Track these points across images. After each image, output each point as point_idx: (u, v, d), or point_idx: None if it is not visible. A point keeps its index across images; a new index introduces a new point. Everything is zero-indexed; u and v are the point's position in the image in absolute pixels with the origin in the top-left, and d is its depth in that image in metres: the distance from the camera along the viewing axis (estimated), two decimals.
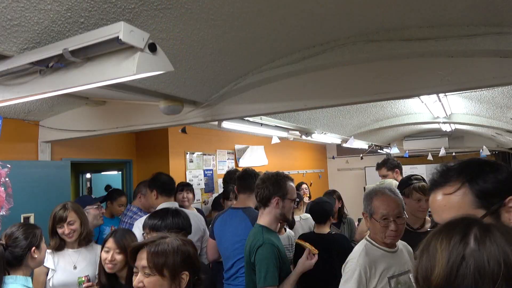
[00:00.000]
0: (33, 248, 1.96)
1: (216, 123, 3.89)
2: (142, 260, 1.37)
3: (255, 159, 5.89)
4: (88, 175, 5.80)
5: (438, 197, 1.05)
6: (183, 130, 4.63)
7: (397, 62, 2.37)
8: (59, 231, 2.41)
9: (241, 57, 2.37)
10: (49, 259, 2.37)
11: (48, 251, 2.39)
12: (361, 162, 8.69)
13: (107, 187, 3.99)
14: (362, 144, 7.04)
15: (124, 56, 1.40)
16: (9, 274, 1.85)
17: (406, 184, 2.52)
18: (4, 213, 1.78)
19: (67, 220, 2.41)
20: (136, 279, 1.37)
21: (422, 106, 4.52)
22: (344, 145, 6.40)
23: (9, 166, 1.80)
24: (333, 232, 3.04)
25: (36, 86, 1.68)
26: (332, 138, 5.89)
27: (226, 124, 3.81)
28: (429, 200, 1.11)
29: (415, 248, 2.02)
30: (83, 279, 2.29)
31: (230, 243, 2.68)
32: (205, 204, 4.82)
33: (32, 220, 3.07)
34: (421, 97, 3.69)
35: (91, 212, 3.00)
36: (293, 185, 2.28)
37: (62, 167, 3.60)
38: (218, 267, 2.89)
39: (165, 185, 3.06)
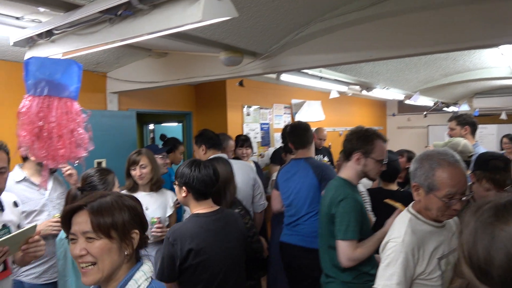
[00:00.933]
0: None
1: (274, 76, 3.84)
2: (82, 223, 1.12)
3: (312, 114, 5.79)
4: (151, 126, 6.09)
5: None
6: (240, 83, 4.63)
7: (480, 6, 2.12)
8: (132, 173, 2.63)
9: (304, 3, 2.25)
10: None
11: (124, 191, 2.61)
12: (424, 120, 8.24)
13: (162, 136, 4.17)
14: (426, 101, 6.62)
15: (189, 1, 1.38)
16: None
17: (484, 167, 2.06)
18: (85, 154, 1.94)
19: (139, 163, 2.60)
20: (77, 248, 1.10)
21: (500, 59, 4.09)
22: (407, 101, 6.06)
23: (89, 112, 1.94)
24: (401, 190, 2.96)
25: (106, 35, 1.74)
26: (394, 94, 5.60)
27: (284, 77, 3.75)
28: None
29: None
30: (155, 220, 2.49)
31: (292, 192, 2.78)
32: (261, 157, 4.90)
33: (104, 165, 3.32)
34: (502, 47, 3.33)
35: (158, 161, 3.18)
36: (383, 145, 2.09)
37: (129, 117, 3.81)
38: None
39: (212, 139, 3.16)
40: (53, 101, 1.77)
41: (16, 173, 2.30)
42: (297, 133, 2.85)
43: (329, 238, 2.04)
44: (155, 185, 2.67)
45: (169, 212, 2.71)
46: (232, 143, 3.67)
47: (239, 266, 2.02)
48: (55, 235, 2.15)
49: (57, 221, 2.23)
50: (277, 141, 5.22)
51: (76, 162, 1.91)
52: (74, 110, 1.85)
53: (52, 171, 2.41)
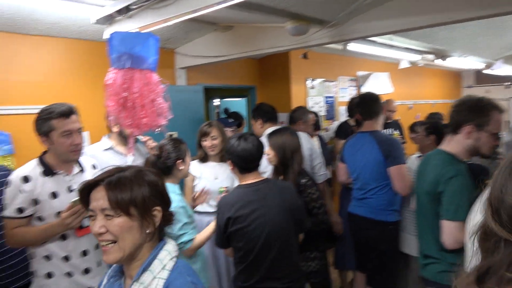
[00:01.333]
0: (180, 160, 2.24)
1: (339, 47, 3.73)
2: (100, 200, 1.06)
3: (379, 86, 5.55)
4: (216, 101, 6.25)
5: None
6: (304, 56, 4.56)
7: None
8: (203, 144, 2.76)
9: None
10: (196, 168, 2.74)
11: (196, 161, 2.76)
12: (505, 92, 7.51)
13: (226, 110, 4.28)
14: (509, 70, 6.01)
15: None
16: None
17: None
18: (166, 122, 2.06)
19: (210, 135, 2.73)
20: (96, 224, 1.06)
21: None
22: (487, 71, 5.56)
23: (167, 83, 2.05)
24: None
25: (179, 7, 1.80)
26: (472, 63, 5.16)
27: (351, 47, 3.63)
28: None
29: None
30: (223, 189, 2.60)
31: (358, 166, 2.75)
32: (326, 131, 4.83)
33: None
34: None
35: (228, 134, 3.30)
36: (500, 116, 1.84)
37: (197, 92, 3.95)
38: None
39: (269, 113, 3.21)
40: (135, 73, 1.90)
41: (104, 142, 2.52)
42: (366, 103, 2.78)
43: (433, 218, 1.89)
44: (225, 156, 2.78)
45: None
46: (312, 116, 3.65)
47: (284, 236, 1.95)
48: None
49: None
50: (342, 115, 5.10)
51: (157, 130, 2.04)
52: (153, 81, 1.97)
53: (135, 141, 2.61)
